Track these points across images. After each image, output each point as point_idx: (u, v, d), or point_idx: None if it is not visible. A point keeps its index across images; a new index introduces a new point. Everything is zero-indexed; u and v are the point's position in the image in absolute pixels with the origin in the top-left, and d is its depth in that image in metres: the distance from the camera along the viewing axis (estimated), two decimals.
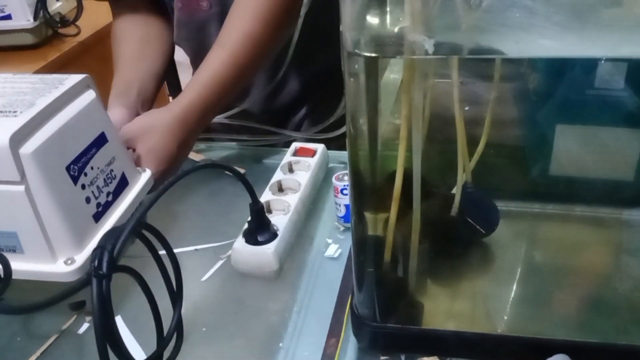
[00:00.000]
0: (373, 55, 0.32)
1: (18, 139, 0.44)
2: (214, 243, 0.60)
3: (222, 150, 0.79)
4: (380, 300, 0.44)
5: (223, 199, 0.67)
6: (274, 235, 0.54)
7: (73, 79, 0.52)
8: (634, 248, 0.47)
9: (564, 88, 0.49)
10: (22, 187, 0.45)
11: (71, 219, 0.48)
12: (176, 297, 0.47)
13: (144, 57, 0.75)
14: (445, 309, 0.45)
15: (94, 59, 1.28)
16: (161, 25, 0.80)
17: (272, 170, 0.66)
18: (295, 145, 0.69)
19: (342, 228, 0.61)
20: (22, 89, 0.50)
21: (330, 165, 0.71)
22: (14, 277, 0.43)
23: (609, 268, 0.47)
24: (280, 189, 0.63)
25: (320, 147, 0.68)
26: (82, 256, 0.48)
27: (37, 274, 0.48)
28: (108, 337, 0.39)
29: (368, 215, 0.41)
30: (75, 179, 0.49)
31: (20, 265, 0.47)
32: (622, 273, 0.47)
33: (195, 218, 0.64)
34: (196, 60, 0.82)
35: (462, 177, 0.48)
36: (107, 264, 0.40)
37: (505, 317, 0.45)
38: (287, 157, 0.67)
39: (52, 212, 0.46)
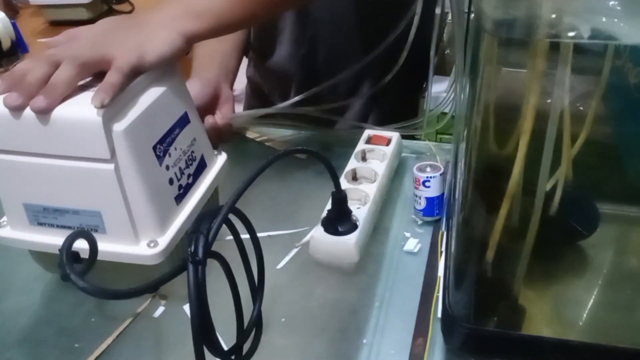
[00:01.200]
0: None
1: (110, 115, 0.43)
2: (288, 230, 0.59)
3: (285, 134, 0.77)
4: (479, 302, 0.42)
5: (293, 185, 0.65)
6: (354, 226, 0.52)
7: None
8: None
9: None
10: (111, 166, 0.43)
11: (156, 201, 0.46)
12: (257, 288, 0.45)
13: None
14: (546, 314, 0.42)
15: None
16: None
17: (341, 158, 0.64)
18: (368, 132, 0.66)
19: (420, 222, 0.58)
20: None
21: (403, 154, 0.69)
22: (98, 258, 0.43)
23: None
24: (354, 177, 0.61)
25: (395, 135, 0.65)
26: (164, 239, 0.47)
27: (120, 256, 0.47)
28: (203, 326, 0.38)
29: (478, 213, 0.38)
30: (160, 160, 0.47)
31: (103, 246, 0.46)
32: None
33: (267, 204, 0.63)
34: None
35: (564, 174, 0.45)
36: (203, 249, 0.39)
37: (611, 326, 0.42)
38: (361, 144, 0.64)
39: (138, 192, 0.45)
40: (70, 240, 0.36)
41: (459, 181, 0.47)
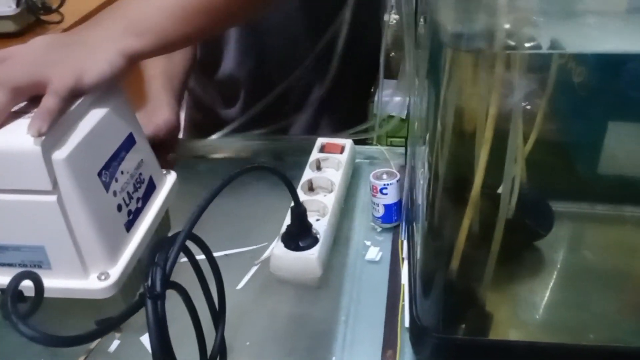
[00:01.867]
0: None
1: (49, 144, 0.39)
2: (245, 247, 0.57)
3: (233, 143, 0.75)
4: (447, 310, 0.41)
5: (247, 199, 0.64)
6: (315, 240, 0.51)
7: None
8: None
9: (615, 83, 0.47)
10: (54, 197, 0.40)
11: (104, 230, 0.44)
12: (219, 314, 0.43)
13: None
14: (513, 317, 0.43)
15: None
16: None
17: (295, 167, 0.63)
18: (321, 140, 0.65)
19: (379, 229, 0.58)
20: None
21: (356, 160, 0.68)
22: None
23: None
24: (310, 188, 0.60)
25: (348, 143, 0.65)
26: (116, 270, 0.44)
27: (68, 291, 0.44)
28: None
29: (444, 221, 0.38)
30: (107, 186, 0.44)
31: (49, 282, 0.42)
32: None
33: (221, 220, 0.61)
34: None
35: (519, 176, 0.45)
36: (161, 282, 0.36)
37: (575, 324, 0.43)
38: (315, 153, 0.63)
39: (85, 223, 0.42)
40: (13, 286, 0.33)
41: (420, 188, 0.47)
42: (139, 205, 0.49)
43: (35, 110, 0.41)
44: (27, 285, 0.38)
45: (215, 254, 0.57)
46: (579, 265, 0.46)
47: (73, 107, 0.43)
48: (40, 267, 0.43)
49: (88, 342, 0.33)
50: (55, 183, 0.40)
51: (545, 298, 0.43)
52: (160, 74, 0.71)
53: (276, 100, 0.78)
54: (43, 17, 1.17)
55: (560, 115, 0.48)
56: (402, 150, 0.70)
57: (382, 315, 0.49)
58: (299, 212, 0.49)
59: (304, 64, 0.76)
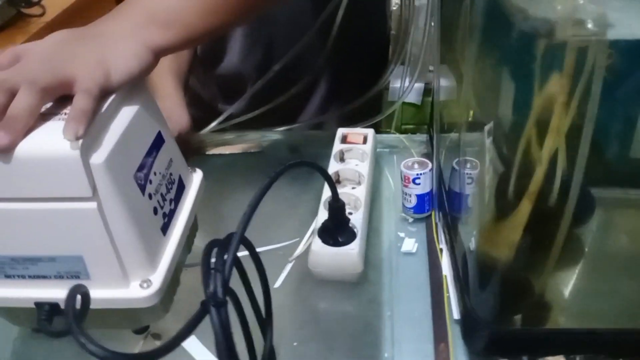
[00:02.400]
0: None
1: (86, 147, 0.37)
2: (276, 244, 0.55)
3: (244, 137, 0.72)
4: (505, 301, 0.41)
5: (268, 195, 0.62)
6: (353, 234, 0.50)
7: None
8: None
9: None
10: (94, 204, 0.38)
11: (144, 235, 0.41)
12: (266, 320, 0.42)
13: None
14: (568, 305, 0.42)
15: None
16: None
17: (314, 160, 0.61)
18: (342, 131, 0.63)
19: (410, 219, 0.57)
20: None
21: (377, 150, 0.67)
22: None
23: None
24: (337, 180, 0.58)
25: (370, 133, 0.63)
26: (157, 277, 0.42)
27: (110, 302, 0.41)
28: None
29: (504, 210, 0.37)
30: (142, 188, 0.42)
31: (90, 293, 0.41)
32: None
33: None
34: None
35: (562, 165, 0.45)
36: (223, 288, 0.35)
37: (630, 309, 0.42)
38: (338, 145, 0.62)
39: (125, 229, 0.40)
40: (73, 304, 0.31)
41: (462, 176, 0.46)
42: (172, 207, 0.47)
43: (65, 111, 0.38)
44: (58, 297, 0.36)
45: (244, 252, 0.55)
46: (624, 250, 0.45)
47: (103, 106, 0.40)
48: (77, 277, 0.41)
49: (159, 357, 0.31)
50: (94, 189, 0.37)
51: (599, 284, 0.43)
52: (167, 71, 0.68)
53: (284, 93, 0.76)
54: (24, 10, 1.12)
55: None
56: (420, 137, 0.69)
57: (426, 308, 0.48)
58: (338, 207, 0.48)
59: (312, 54, 0.74)
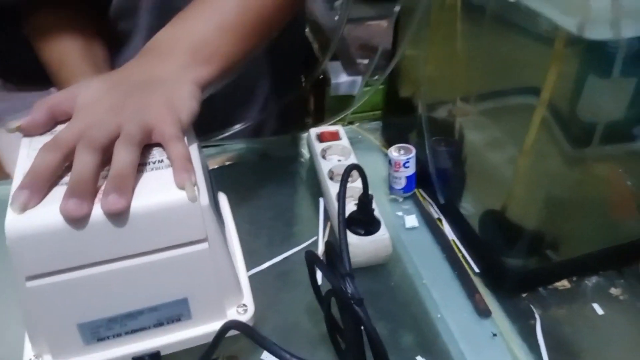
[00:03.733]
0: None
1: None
2: (298, 246, 0.59)
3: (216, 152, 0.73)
4: (527, 247, 0.51)
5: (265, 202, 0.65)
6: (378, 222, 0.56)
7: None
8: None
9: None
10: (206, 244, 0.39)
11: (232, 262, 0.43)
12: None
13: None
14: (570, 238, 0.54)
15: None
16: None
17: (282, 163, 0.66)
18: (314, 131, 0.68)
19: (400, 199, 0.65)
20: None
21: None
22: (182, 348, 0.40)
23: None
24: (331, 178, 0.64)
25: (340, 129, 0.69)
26: (247, 299, 0.45)
27: (210, 335, 0.42)
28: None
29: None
30: (220, 218, 0.44)
31: (190, 333, 0.42)
32: None
33: (249, 229, 0.61)
34: None
35: None
36: (355, 287, 0.39)
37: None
38: (318, 144, 0.67)
39: (225, 261, 0.42)
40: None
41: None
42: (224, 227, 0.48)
43: (174, 162, 0.38)
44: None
45: (280, 258, 0.58)
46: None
47: None
48: (179, 320, 0.41)
49: None
50: (206, 230, 0.39)
51: (589, 215, 0.54)
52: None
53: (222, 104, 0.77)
54: None
55: None
56: (371, 126, 0.77)
57: (448, 270, 0.57)
58: (368, 200, 0.54)
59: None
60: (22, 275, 0.36)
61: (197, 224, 0.37)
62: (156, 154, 0.40)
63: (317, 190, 0.66)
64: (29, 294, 0.36)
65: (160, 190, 0.37)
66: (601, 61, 0.41)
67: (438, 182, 0.62)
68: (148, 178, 0.37)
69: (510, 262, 0.53)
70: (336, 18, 0.92)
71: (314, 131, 0.69)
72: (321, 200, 0.65)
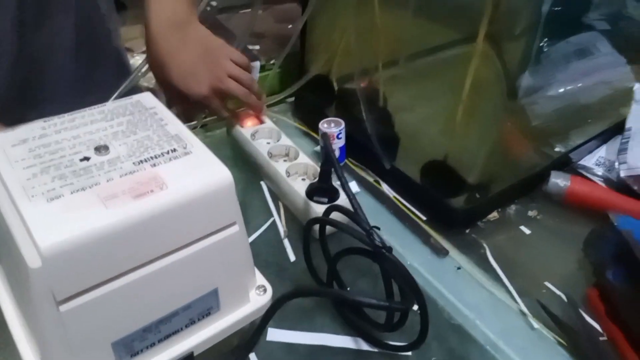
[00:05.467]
0: None
1: None
2: (256, 233, 0.59)
3: None
4: (471, 190, 0.59)
5: None
6: (336, 189, 0.59)
7: (146, 98, 0.42)
8: None
9: None
10: (237, 226, 0.38)
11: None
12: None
13: None
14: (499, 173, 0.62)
15: None
16: None
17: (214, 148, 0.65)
18: (237, 123, 0.68)
19: None
20: (123, 123, 0.39)
21: None
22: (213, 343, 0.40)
23: None
24: (271, 157, 0.64)
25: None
26: (260, 279, 0.44)
27: (239, 323, 0.42)
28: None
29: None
30: None
31: (221, 324, 0.41)
32: None
33: None
34: None
35: None
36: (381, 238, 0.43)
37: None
38: (247, 130, 0.67)
39: (247, 243, 0.41)
40: None
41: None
42: None
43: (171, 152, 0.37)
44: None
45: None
46: None
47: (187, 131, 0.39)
48: (209, 314, 0.40)
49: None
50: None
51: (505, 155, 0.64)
52: None
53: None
54: None
55: None
56: (279, 107, 0.79)
57: (398, 224, 0.62)
58: (329, 170, 0.56)
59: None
60: (52, 300, 0.31)
61: (230, 207, 0.37)
62: (165, 144, 0.37)
63: (253, 175, 0.66)
64: (62, 320, 0.32)
65: (190, 178, 0.35)
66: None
67: (380, 148, 0.66)
68: (171, 169, 0.35)
69: (455, 203, 0.60)
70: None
71: (237, 123, 0.68)
72: (262, 183, 0.65)
